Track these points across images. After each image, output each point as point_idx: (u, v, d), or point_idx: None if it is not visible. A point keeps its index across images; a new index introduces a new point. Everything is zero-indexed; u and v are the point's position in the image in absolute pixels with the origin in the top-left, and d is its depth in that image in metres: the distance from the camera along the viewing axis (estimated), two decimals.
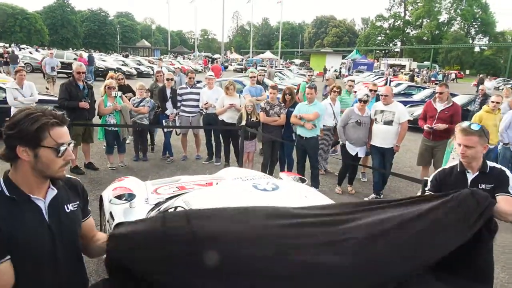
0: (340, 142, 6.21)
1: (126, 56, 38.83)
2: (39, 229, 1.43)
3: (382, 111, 5.67)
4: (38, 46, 51.24)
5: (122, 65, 26.34)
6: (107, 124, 6.36)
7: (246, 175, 3.58)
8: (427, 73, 39.64)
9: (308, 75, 12.97)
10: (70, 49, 48.20)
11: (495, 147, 6.08)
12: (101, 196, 3.76)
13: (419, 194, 4.92)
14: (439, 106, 5.56)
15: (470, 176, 2.54)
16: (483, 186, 2.45)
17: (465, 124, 2.56)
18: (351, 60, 45.43)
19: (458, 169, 2.58)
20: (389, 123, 5.59)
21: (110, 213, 3.22)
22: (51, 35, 68.36)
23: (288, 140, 6.19)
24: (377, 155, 5.81)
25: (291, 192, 2.71)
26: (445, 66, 61.53)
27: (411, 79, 26.85)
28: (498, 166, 2.56)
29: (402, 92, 17.09)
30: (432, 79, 36.45)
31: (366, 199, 5.87)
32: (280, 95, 6.46)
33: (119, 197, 3.14)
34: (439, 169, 2.73)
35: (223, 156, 7.16)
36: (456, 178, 2.56)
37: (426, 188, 2.71)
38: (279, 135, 6.12)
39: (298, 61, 61.60)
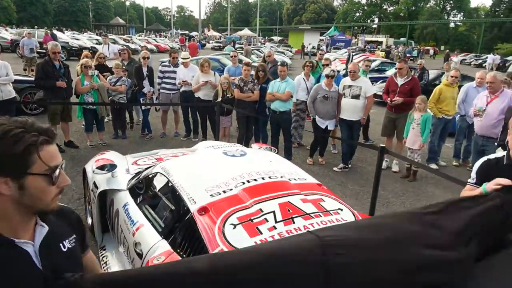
0: (311, 117, 6.57)
1: (101, 35, 37.73)
2: (30, 283, 1.08)
3: (349, 86, 6.04)
4: (5, 24, 48.92)
5: (96, 43, 25.73)
6: (85, 102, 6.50)
7: (217, 145, 3.90)
8: (402, 49, 40.27)
9: (319, 55, 12.22)
10: (36, 27, 46.24)
11: (453, 118, 6.57)
12: (84, 169, 4.01)
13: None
14: (400, 81, 5.98)
15: None
16: None
17: None
18: (329, 37, 45.59)
19: (505, 162, 2.18)
20: (356, 97, 5.97)
21: (94, 182, 3.48)
22: (18, 12, 65.24)
23: (262, 115, 6.51)
24: (346, 127, 6.22)
25: (257, 157, 3.05)
26: (421, 42, 62.48)
27: (387, 55, 27.36)
28: None
29: (376, 68, 17.55)
30: (408, 55, 37.17)
31: (335, 168, 6.31)
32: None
33: (101, 167, 3.39)
34: (484, 159, 2.30)
35: (200, 132, 7.43)
36: (501, 170, 2.14)
37: (469, 181, 2.30)
38: (253, 110, 6.42)
39: (276, 38, 61.23)
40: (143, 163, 3.81)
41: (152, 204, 2.80)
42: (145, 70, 7.25)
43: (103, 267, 3.19)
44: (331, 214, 2.41)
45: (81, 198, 4.64)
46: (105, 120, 7.40)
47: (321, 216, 2.34)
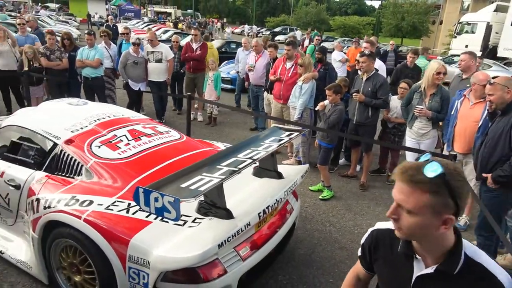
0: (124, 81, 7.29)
1: None
2: None
3: (152, 52, 7.08)
4: None
5: None
6: None
7: (55, 101, 4.33)
8: (190, 20, 42.93)
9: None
10: None
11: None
12: None
13: None
14: (195, 46, 7.46)
15: (418, 267, 1.26)
16: None
17: (408, 165, 1.15)
18: (115, 6, 43.80)
19: (399, 249, 1.30)
20: (159, 61, 7.08)
21: None
22: None
23: (74, 82, 6.82)
24: (155, 88, 7.29)
25: (98, 105, 3.86)
26: (206, 14, 67.36)
27: (175, 25, 28.95)
28: (481, 261, 1.20)
29: (169, 38, 18.85)
30: (194, 26, 40.04)
31: None
32: None
33: None
34: (367, 235, 1.47)
35: (3, 105, 7.03)
36: (399, 261, 1.32)
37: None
38: (65, 78, 6.67)
39: (54, 5, 53.91)
40: None
41: (11, 152, 3.24)
42: None
43: None
44: (164, 133, 3.56)
45: None
46: None
47: (158, 135, 3.46)
